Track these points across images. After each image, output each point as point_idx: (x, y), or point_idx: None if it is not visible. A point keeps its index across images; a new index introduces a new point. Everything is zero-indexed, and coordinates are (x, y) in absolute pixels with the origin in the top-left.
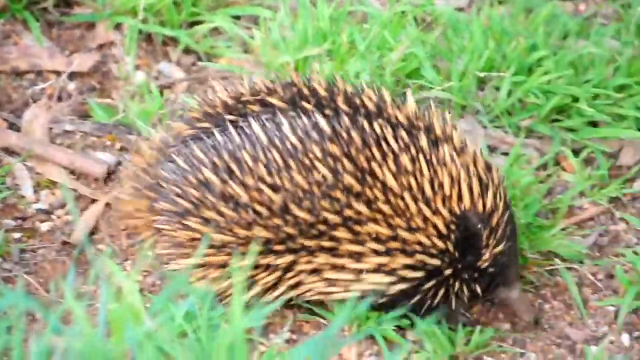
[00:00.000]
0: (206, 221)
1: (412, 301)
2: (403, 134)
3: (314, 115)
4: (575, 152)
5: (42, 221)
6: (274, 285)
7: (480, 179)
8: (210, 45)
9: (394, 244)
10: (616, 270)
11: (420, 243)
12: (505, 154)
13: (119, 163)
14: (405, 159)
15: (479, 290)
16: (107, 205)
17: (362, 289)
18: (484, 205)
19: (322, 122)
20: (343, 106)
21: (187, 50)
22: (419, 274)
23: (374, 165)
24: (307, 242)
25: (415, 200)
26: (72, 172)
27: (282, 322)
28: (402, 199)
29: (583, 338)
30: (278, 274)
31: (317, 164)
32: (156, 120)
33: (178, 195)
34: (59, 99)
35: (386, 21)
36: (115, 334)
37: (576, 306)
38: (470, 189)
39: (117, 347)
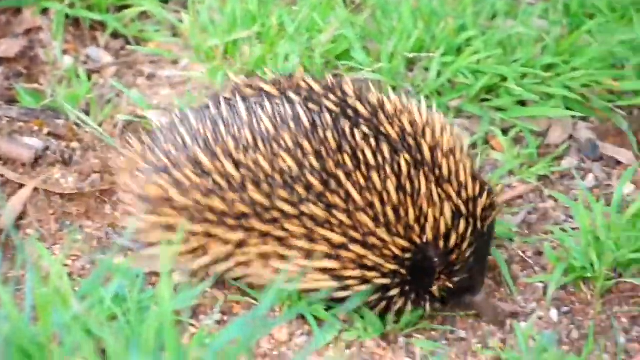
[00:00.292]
0: (176, 183)
1: (352, 306)
2: (385, 148)
3: (297, 106)
4: (504, 131)
5: None
6: (223, 259)
7: (454, 211)
8: (139, 29)
9: (345, 253)
10: (545, 248)
11: (372, 260)
12: None
13: (46, 148)
14: (375, 178)
15: (427, 308)
16: (36, 190)
17: (306, 288)
18: (447, 241)
19: (303, 115)
20: (331, 105)
21: (115, 35)
22: (365, 287)
23: (340, 173)
24: (259, 225)
25: (375, 219)
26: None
27: (213, 304)
28: (363, 213)
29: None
30: (229, 247)
31: (283, 153)
32: (84, 104)
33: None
34: None
35: (315, 3)
36: (42, 318)
37: (505, 283)
38: (437, 225)
39: (45, 331)
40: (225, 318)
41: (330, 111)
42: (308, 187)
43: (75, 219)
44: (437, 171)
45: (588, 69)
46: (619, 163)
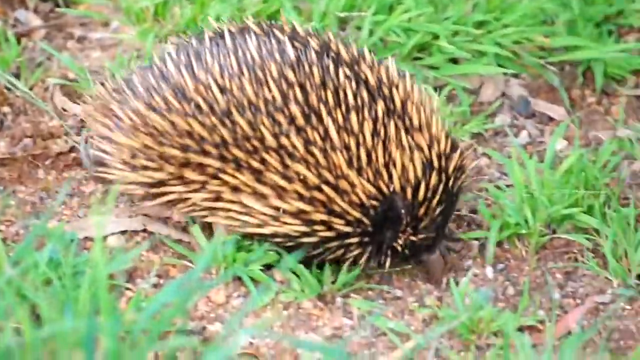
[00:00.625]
0: (155, 109)
1: (313, 253)
2: (364, 93)
3: (283, 40)
4: (437, 89)
5: None
6: (197, 190)
7: (425, 164)
8: None
9: (318, 195)
10: (479, 205)
11: (340, 205)
12: None
13: None
14: (354, 119)
15: (387, 264)
16: None
17: (275, 231)
18: (416, 193)
19: (289, 48)
20: (315, 45)
21: None
22: (330, 234)
23: (322, 108)
24: (238, 153)
25: (349, 162)
26: None
27: (149, 267)
28: (338, 154)
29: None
30: (203, 178)
31: (270, 82)
32: (14, 68)
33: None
34: None
35: None
36: None
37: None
38: (406, 173)
39: None
40: (162, 281)
41: (314, 50)
42: (290, 119)
43: (8, 184)
44: (407, 121)
45: (519, 26)
46: (551, 119)
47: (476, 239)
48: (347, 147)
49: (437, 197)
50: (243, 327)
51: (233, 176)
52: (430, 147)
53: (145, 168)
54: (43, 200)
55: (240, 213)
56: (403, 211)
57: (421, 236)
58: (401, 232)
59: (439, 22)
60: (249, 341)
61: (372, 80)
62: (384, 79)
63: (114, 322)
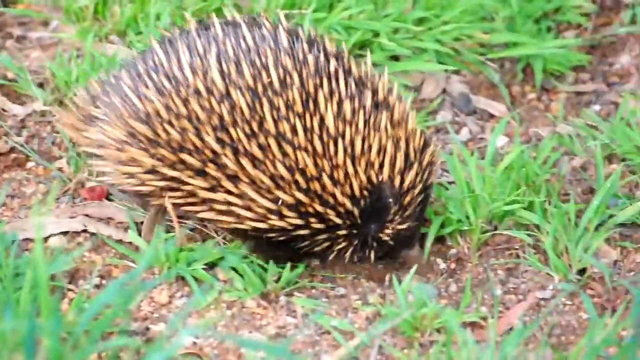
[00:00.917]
0: (159, 93)
1: (301, 245)
2: (352, 84)
3: (275, 30)
4: None
5: None
6: (197, 175)
7: (407, 156)
8: None
9: (315, 185)
10: None
11: (334, 196)
12: None
13: None
14: (347, 107)
15: (372, 257)
16: None
17: (273, 225)
18: (402, 182)
19: (282, 35)
20: (303, 36)
21: None
22: (320, 226)
23: (320, 94)
24: (237, 134)
25: (344, 151)
26: None
27: (91, 268)
28: (335, 143)
29: (392, 269)
30: (200, 162)
31: (270, 66)
32: None
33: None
34: None
35: None
36: None
37: None
38: (393, 163)
39: None
40: (104, 282)
41: (304, 40)
42: (288, 104)
43: None
44: (389, 114)
45: (459, 23)
46: (492, 116)
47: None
48: (342, 136)
49: (418, 188)
50: (186, 327)
51: (232, 161)
52: (407, 141)
53: (134, 160)
54: None
55: (240, 207)
56: (391, 200)
57: (406, 225)
58: (388, 222)
59: (379, 20)
60: (193, 341)
61: (357, 73)
62: (369, 72)
63: (56, 323)
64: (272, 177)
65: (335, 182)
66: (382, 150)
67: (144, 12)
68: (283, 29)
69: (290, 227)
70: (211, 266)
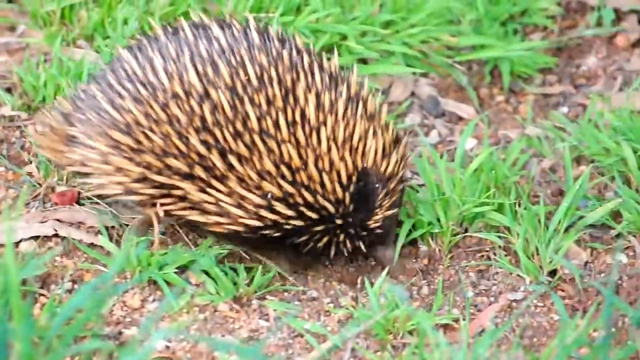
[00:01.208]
0: (136, 102)
1: (300, 239)
2: (326, 77)
3: (245, 29)
4: None
5: None
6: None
7: (384, 145)
8: None
9: (302, 176)
10: None
11: (322, 184)
12: None
13: None
14: (326, 98)
15: (362, 246)
16: None
17: (267, 219)
18: (386, 169)
19: (254, 34)
20: (274, 34)
21: None
22: (314, 215)
23: (298, 88)
24: (224, 135)
25: (328, 139)
26: None
27: (63, 272)
28: (318, 132)
29: (364, 272)
30: (187, 165)
31: (247, 64)
32: None
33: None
34: None
35: None
36: None
37: None
38: (376, 150)
39: None
40: (76, 287)
41: (276, 37)
42: (268, 100)
43: None
44: (364, 107)
45: (426, 25)
46: (460, 118)
47: None
48: (324, 124)
49: (399, 175)
50: (159, 331)
51: (219, 161)
52: (382, 133)
53: (121, 170)
54: None
55: (230, 205)
56: (378, 185)
57: (392, 211)
58: (377, 207)
59: (346, 23)
60: (165, 345)
61: (328, 69)
62: (337, 69)
63: (28, 327)
64: (259, 173)
65: (320, 171)
66: (363, 138)
67: (111, 17)
68: (253, 28)
69: (282, 220)
70: (183, 270)
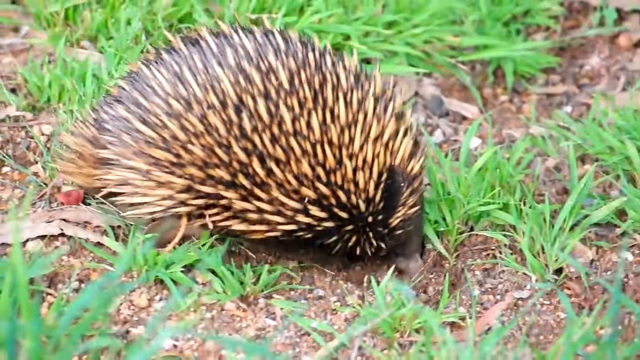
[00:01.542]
0: (170, 117)
1: (330, 240)
2: (351, 77)
3: (266, 34)
4: None
5: None
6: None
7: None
8: None
9: (335, 176)
10: None
11: (356, 183)
12: None
13: None
14: (355, 97)
15: (383, 246)
16: None
17: (300, 222)
18: (412, 168)
19: (279, 39)
20: (295, 37)
21: None
22: (345, 215)
23: (326, 89)
24: (263, 140)
25: (361, 135)
26: None
27: (69, 271)
28: (349, 130)
29: (370, 270)
30: (230, 169)
31: (279, 69)
32: None
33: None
34: None
35: None
36: None
37: None
38: (404, 149)
39: None
40: (83, 286)
41: (299, 41)
42: (301, 102)
43: None
44: (392, 105)
45: (429, 26)
46: (464, 118)
47: None
48: (355, 123)
49: (422, 174)
50: (166, 329)
51: (260, 167)
52: (406, 133)
53: (164, 184)
54: None
55: (270, 213)
56: (404, 183)
57: (413, 210)
58: (401, 205)
59: (349, 23)
60: (173, 343)
61: (352, 68)
62: (358, 68)
63: (36, 325)
64: (296, 177)
65: (355, 169)
66: (392, 137)
67: (115, 18)
68: (277, 33)
69: (315, 223)
70: (189, 269)
